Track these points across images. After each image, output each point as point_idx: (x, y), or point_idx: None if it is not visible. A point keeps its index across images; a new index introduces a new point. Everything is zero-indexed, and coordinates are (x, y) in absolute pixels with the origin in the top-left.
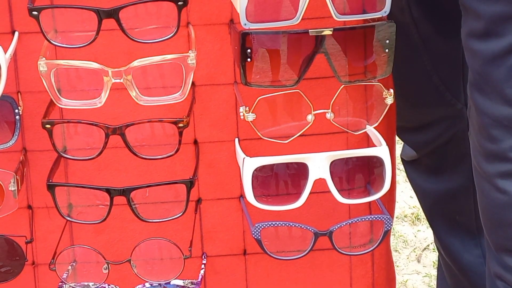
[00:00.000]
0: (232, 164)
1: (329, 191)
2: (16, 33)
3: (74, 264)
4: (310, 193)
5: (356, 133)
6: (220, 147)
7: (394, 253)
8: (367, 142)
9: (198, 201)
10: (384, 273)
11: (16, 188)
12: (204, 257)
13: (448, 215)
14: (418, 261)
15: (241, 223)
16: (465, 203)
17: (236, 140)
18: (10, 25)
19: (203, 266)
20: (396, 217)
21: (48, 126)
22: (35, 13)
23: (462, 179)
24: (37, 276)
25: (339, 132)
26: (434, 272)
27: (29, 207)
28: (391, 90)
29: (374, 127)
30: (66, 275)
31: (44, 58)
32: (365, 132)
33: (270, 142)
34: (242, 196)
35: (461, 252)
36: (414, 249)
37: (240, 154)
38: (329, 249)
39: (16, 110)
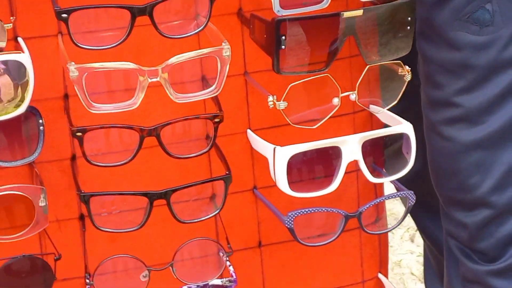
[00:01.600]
0: (244, 156)
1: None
2: (20, 40)
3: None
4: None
5: (377, 113)
6: (232, 140)
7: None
8: (371, 123)
9: (212, 196)
10: (386, 252)
11: (46, 203)
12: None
13: (420, 198)
14: (412, 241)
15: (255, 215)
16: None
17: (249, 131)
18: (12, 31)
19: (228, 263)
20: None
21: (79, 134)
22: (64, 15)
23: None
24: None
25: (345, 114)
26: None
27: None
28: (407, 67)
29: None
30: None
31: (73, 63)
32: (368, 112)
33: (281, 130)
34: (255, 187)
35: (438, 234)
36: (408, 228)
37: (266, 145)
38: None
39: (41, 121)
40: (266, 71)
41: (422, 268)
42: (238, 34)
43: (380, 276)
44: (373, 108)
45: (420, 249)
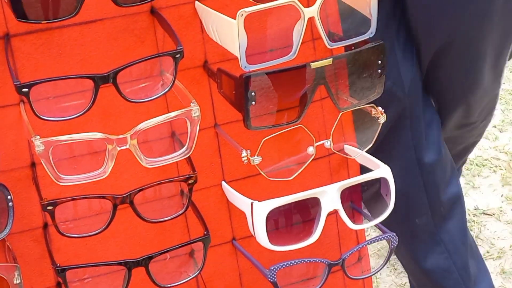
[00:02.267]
0: (220, 209)
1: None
2: None
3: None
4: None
5: (355, 157)
6: (207, 193)
7: (392, 256)
8: (347, 164)
9: (191, 252)
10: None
11: (21, 280)
12: None
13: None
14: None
15: (236, 266)
16: (419, 200)
17: (224, 183)
18: None
19: None
20: None
21: (50, 208)
22: (25, 90)
23: (411, 175)
24: None
25: (321, 157)
26: None
27: None
28: (381, 109)
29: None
30: None
31: (38, 137)
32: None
33: (256, 179)
34: (234, 239)
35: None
36: None
37: (243, 199)
38: None
39: (9, 197)
40: (237, 122)
41: None
42: (206, 86)
43: None
44: (348, 150)
45: None
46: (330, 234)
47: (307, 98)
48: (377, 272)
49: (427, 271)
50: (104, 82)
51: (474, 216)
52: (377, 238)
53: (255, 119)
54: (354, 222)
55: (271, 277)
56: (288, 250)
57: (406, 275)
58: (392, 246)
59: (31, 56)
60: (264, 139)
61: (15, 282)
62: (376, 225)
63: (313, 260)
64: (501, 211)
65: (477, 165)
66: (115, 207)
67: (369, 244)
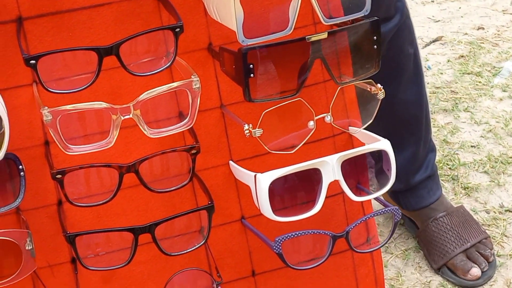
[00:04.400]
0: (229, 188)
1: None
2: None
3: None
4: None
5: (354, 133)
6: (215, 173)
7: (417, 254)
8: (351, 143)
9: (201, 230)
10: (381, 270)
11: (32, 246)
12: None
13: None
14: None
15: (246, 244)
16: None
17: (231, 162)
18: None
19: None
20: None
21: (59, 176)
22: (32, 62)
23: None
24: None
25: (325, 138)
26: None
27: None
28: (379, 85)
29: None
30: None
31: (46, 107)
32: (348, 134)
33: (263, 159)
34: (243, 217)
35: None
36: None
37: (246, 174)
38: (333, 254)
39: (20, 167)
40: (242, 103)
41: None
42: (211, 68)
43: None
44: (351, 129)
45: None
46: (338, 214)
47: (305, 72)
48: (383, 245)
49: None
50: (107, 54)
51: (499, 214)
52: (380, 211)
53: (254, 91)
54: (357, 195)
55: (277, 248)
56: (296, 228)
57: (431, 274)
58: (396, 220)
59: (42, 38)
60: (265, 111)
61: (27, 248)
62: (379, 201)
63: (317, 232)
64: None
65: (502, 162)
66: (121, 176)
67: (372, 216)
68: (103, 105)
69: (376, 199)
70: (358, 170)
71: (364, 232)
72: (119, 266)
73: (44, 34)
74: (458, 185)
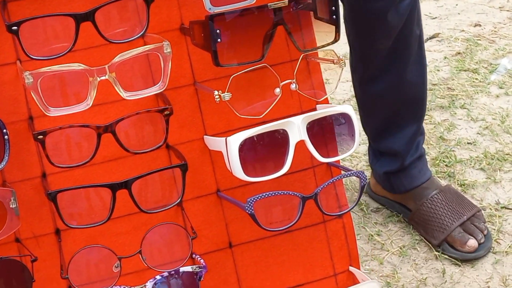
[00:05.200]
0: (204, 161)
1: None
2: None
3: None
4: None
5: (319, 100)
6: (191, 146)
7: (413, 251)
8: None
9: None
10: (354, 244)
11: (16, 205)
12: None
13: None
14: (436, 258)
15: (222, 217)
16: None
17: (205, 136)
18: None
19: (199, 258)
20: None
21: (40, 137)
22: (15, 28)
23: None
24: None
25: (294, 114)
26: None
27: (17, 240)
28: (341, 56)
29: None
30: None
31: (28, 71)
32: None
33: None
34: (219, 190)
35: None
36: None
37: (218, 140)
38: (306, 227)
39: (5, 130)
40: (214, 80)
41: (447, 286)
42: (184, 47)
43: (352, 269)
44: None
45: (445, 267)
46: (309, 184)
47: (269, 38)
48: (353, 207)
49: None
50: (84, 20)
51: (495, 211)
52: (347, 174)
53: (222, 56)
54: (323, 156)
55: (249, 208)
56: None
57: (427, 271)
58: (362, 184)
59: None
60: (233, 75)
61: (11, 206)
62: (344, 169)
63: (287, 193)
64: None
65: (498, 159)
66: (99, 136)
67: (339, 178)
68: (81, 66)
69: (343, 168)
70: (324, 132)
71: (334, 201)
72: (98, 223)
73: (27, 15)
74: (455, 182)
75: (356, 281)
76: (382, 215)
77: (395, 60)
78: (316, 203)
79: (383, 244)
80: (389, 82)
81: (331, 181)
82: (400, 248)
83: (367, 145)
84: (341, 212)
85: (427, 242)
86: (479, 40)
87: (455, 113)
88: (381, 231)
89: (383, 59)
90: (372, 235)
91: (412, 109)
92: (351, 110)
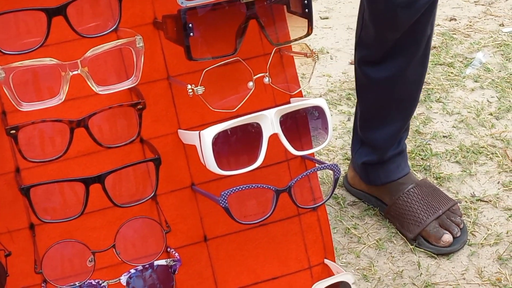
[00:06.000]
0: (178, 156)
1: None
2: None
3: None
4: None
5: (292, 93)
6: (165, 141)
7: (389, 244)
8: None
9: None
10: (329, 237)
11: None
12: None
13: None
14: (412, 251)
15: (197, 210)
16: None
17: (179, 130)
18: None
19: (174, 252)
20: None
21: (13, 132)
22: None
23: None
24: None
25: (268, 108)
26: None
27: None
28: (315, 50)
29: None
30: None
31: (0, 66)
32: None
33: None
34: (193, 184)
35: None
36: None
37: (192, 134)
38: (281, 220)
39: None
40: (187, 74)
41: (423, 278)
42: (157, 42)
43: (327, 261)
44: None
45: (421, 259)
46: (283, 178)
47: (242, 31)
48: (327, 200)
49: None
50: (56, 14)
51: (471, 203)
52: (321, 166)
53: (195, 50)
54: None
55: (223, 202)
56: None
57: (403, 263)
58: (335, 176)
59: None
60: (205, 69)
61: None
62: (318, 162)
63: (261, 186)
64: (497, 198)
65: (473, 152)
66: (72, 130)
67: (313, 171)
68: (53, 61)
69: (317, 161)
70: (297, 126)
71: (309, 194)
72: (72, 218)
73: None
74: (430, 175)
75: (331, 274)
76: (358, 209)
77: (400, 53)
78: (290, 196)
79: (360, 237)
80: (388, 73)
81: (305, 174)
82: (377, 241)
83: (343, 139)
84: (316, 205)
85: (403, 236)
86: (454, 34)
87: (431, 107)
88: (358, 224)
89: (388, 50)
90: (348, 229)
91: (403, 105)
92: (325, 103)
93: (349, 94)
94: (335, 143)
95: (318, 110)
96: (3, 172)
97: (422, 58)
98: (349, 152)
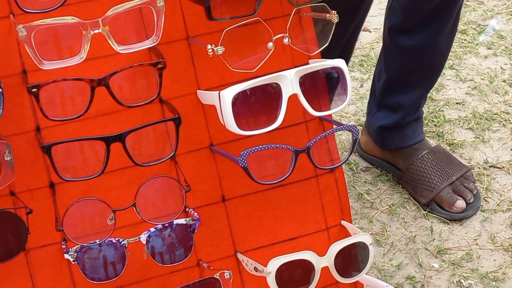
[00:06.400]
0: (197, 116)
1: None
2: None
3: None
4: None
5: (311, 54)
6: (184, 101)
7: (402, 209)
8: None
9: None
10: (346, 199)
11: (11, 157)
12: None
13: None
14: (425, 217)
15: (215, 171)
16: None
17: (199, 90)
18: None
19: (193, 211)
20: None
21: (34, 90)
22: None
23: None
24: (30, 261)
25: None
26: None
27: (12, 193)
28: (334, 11)
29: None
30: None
31: (21, 24)
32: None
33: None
34: (212, 144)
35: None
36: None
37: (211, 94)
38: (299, 181)
39: None
40: (207, 35)
41: (436, 243)
42: (177, 1)
43: (344, 222)
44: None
45: (434, 225)
46: (301, 139)
47: None
48: (345, 161)
49: None
50: None
51: (483, 170)
52: (340, 127)
53: (215, 10)
54: (315, 110)
55: (242, 162)
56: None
57: (416, 229)
58: (354, 137)
59: None
60: (226, 29)
61: (5, 158)
62: (336, 124)
63: (279, 146)
64: (510, 164)
65: (486, 119)
66: (92, 89)
67: (332, 132)
68: (74, 20)
69: (335, 122)
70: (316, 87)
71: (326, 155)
72: (92, 177)
73: None
74: (443, 141)
75: (348, 235)
76: (371, 174)
77: (432, 22)
78: (309, 156)
79: (373, 202)
80: (419, 41)
81: (324, 134)
82: (389, 207)
83: (356, 105)
84: (333, 166)
85: (416, 201)
86: (468, 1)
87: (444, 74)
88: (371, 190)
89: (422, 18)
90: (361, 194)
91: (430, 73)
92: (344, 64)
93: (362, 60)
94: (347, 109)
95: (338, 71)
96: (24, 131)
97: (453, 26)
98: (362, 119)
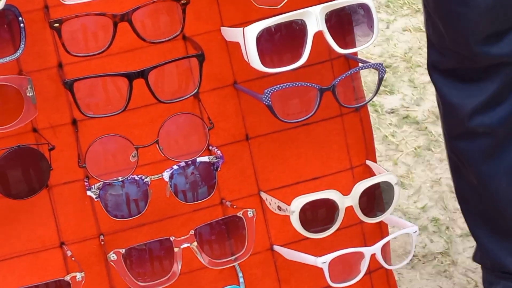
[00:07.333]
0: (221, 53)
1: None
2: None
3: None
4: None
5: None
6: (208, 38)
7: (427, 152)
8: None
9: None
10: (371, 140)
11: (33, 93)
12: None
13: None
14: None
15: (239, 109)
16: None
17: (222, 27)
18: None
19: (216, 149)
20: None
21: (56, 25)
22: None
23: None
24: (53, 198)
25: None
26: None
27: (34, 129)
28: None
29: None
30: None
31: None
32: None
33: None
34: (235, 82)
35: None
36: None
37: (235, 31)
38: (323, 120)
39: (20, 18)
40: None
41: None
42: None
43: (369, 162)
44: None
45: None
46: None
47: None
48: (370, 100)
49: None
50: None
51: None
52: (366, 65)
53: None
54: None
55: (266, 100)
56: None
57: (441, 171)
58: (380, 75)
59: None
60: None
61: (28, 94)
62: (362, 62)
63: (304, 84)
64: None
65: None
66: (115, 24)
67: (358, 70)
68: None
69: (361, 60)
70: (342, 24)
71: (351, 94)
72: (115, 113)
73: None
74: None
75: (373, 174)
76: (396, 116)
77: None
78: (334, 94)
79: (398, 144)
80: None
81: (349, 72)
82: (415, 149)
83: (382, 47)
84: (359, 105)
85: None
86: None
87: None
88: (396, 132)
89: None
90: (386, 136)
91: None
92: (371, 1)
93: (388, 1)
94: (373, 51)
95: (364, 8)
96: (46, 67)
97: None
98: (388, 60)
